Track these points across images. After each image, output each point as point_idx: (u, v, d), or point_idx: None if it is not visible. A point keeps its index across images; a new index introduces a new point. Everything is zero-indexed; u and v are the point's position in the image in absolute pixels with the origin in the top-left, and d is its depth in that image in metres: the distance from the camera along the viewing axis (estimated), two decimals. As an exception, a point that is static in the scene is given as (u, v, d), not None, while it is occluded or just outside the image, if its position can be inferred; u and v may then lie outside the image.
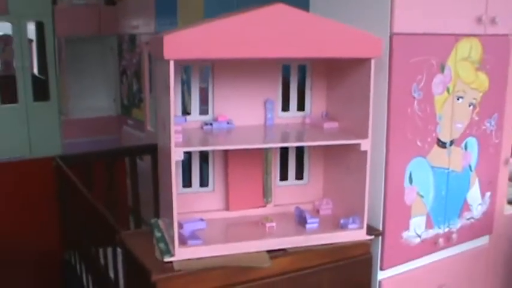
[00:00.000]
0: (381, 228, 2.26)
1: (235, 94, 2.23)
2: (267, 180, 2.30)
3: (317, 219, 2.18)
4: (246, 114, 2.25)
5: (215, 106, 2.22)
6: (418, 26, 2.17)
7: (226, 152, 2.23)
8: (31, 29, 5.46)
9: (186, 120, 2.16)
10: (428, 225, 2.39)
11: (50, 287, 3.80)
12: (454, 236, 2.47)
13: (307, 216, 2.18)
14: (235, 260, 1.97)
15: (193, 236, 2.04)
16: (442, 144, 2.35)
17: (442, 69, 2.27)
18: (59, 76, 5.18)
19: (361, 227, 2.14)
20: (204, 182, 2.28)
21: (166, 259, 1.94)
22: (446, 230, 2.46)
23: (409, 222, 2.32)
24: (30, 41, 5.56)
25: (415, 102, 2.22)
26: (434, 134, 2.31)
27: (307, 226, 2.17)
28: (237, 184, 2.27)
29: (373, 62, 2.01)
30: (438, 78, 2.27)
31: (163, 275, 1.90)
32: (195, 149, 2.00)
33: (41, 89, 5.21)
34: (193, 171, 2.26)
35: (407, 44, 2.16)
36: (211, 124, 2.19)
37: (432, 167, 2.33)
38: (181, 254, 1.95)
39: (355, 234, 2.14)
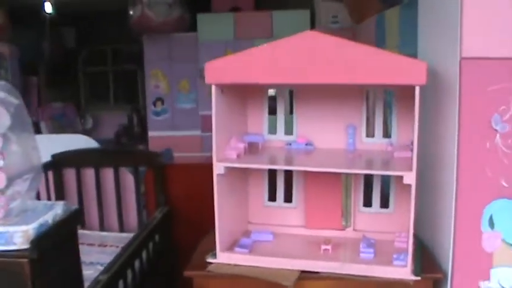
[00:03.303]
0: (449, 273, 2.06)
1: (317, 118, 2.30)
2: (346, 204, 2.30)
3: (372, 250, 2.11)
4: (328, 138, 2.30)
5: (299, 128, 2.33)
6: (497, 50, 1.93)
7: (306, 172, 2.31)
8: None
9: (264, 139, 2.31)
10: (523, 280, 2.07)
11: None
12: None
13: (362, 245, 2.13)
14: (261, 273, 2.07)
15: (246, 245, 2.20)
16: (542, 187, 2.02)
17: (540, 99, 1.96)
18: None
19: (405, 265, 2.01)
20: (289, 198, 2.39)
21: (208, 259, 2.15)
22: (554, 287, 2.09)
23: (490, 272, 2.05)
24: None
25: (498, 135, 1.97)
26: (529, 175, 2.00)
27: (361, 255, 2.12)
28: (314, 204, 2.33)
29: (417, 89, 1.89)
30: (535, 110, 1.97)
31: (195, 272, 2.12)
32: (236, 165, 2.12)
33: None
34: (278, 187, 2.39)
35: (481, 70, 1.94)
36: (290, 144, 2.31)
37: (526, 213, 2.02)
38: (222, 258, 2.15)
39: (397, 271, 2.01)
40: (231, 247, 2.19)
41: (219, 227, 2.12)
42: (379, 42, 3.83)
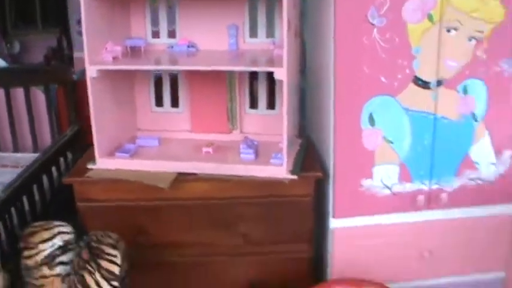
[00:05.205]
0: (331, 172, 2.04)
1: (200, 18, 2.21)
2: (231, 107, 2.24)
3: (252, 151, 2.07)
4: (211, 39, 2.22)
5: (181, 30, 2.24)
6: None
7: (190, 75, 2.24)
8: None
9: (146, 42, 2.22)
10: (404, 177, 2.06)
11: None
12: (444, 195, 2.08)
13: (243, 146, 2.09)
14: (139, 176, 2.02)
15: (129, 150, 2.14)
16: (422, 84, 1.97)
17: (418, -9, 1.90)
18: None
19: (281, 164, 1.97)
20: (176, 103, 2.33)
21: (89, 166, 2.09)
22: (435, 187, 2.08)
23: (372, 170, 2.03)
24: None
25: (375, 30, 1.91)
26: (408, 71, 1.95)
27: (241, 157, 2.08)
28: (200, 108, 2.27)
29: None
30: (412, 3, 1.90)
31: (73, 179, 2.06)
32: (110, 67, 2.03)
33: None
34: (164, 92, 2.32)
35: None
36: (172, 47, 2.22)
37: (406, 110, 1.99)
38: (102, 163, 2.08)
39: (274, 170, 1.99)
40: (113, 153, 2.13)
41: (97, 133, 2.06)
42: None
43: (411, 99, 1.98)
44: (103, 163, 2.08)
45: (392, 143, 2.02)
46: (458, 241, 2.17)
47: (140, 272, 1.92)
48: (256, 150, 2.09)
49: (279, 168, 1.97)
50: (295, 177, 1.97)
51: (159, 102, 2.33)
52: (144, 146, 2.22)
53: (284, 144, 1.94)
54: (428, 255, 2.15)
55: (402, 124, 2.00)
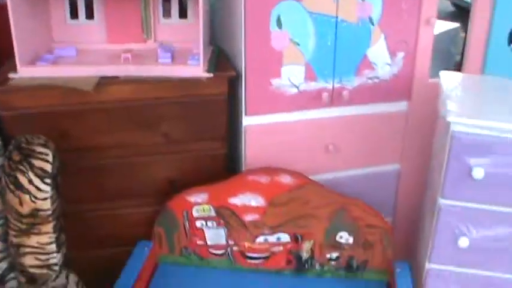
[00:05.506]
0: (243, 72, 2.20)
1: None
2: (145, 17, 2.35)
3: (169, 55, 2.20)
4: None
5: None
6: None
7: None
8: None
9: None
10: (309, 76, 2.25)
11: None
12: (346, 93, 2.30)
13: (160, 51, 2.21)
14: (63, 81, 2.10)
15: (49, 59, 2.20)
16: (324, -11, 2.16)
17: None
18: None
19: (198, 65, 2.12)
20: (91, 15, 2.39)
21: (10, 75, 2.13)
22: (337, 86, 2.30)
23: (281, 70, 2.21)
24: None
25: None
26: (312, -24, 2.13)
27: (159, 60, 2.21)
28: (115, 19, 2.36)
29: None
30: None
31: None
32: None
33: None
34: (78, 4, 2.37)
35: None
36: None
37: (310, 13, 2.17)
38: (24, 72, 2.13)
39: (191, 70, 2.13)
40: (32, 62, 2.19)
41: (17, 43, 2.08)
42: None
43: (315, 4, 2.15)
44: (25, 72, 2.13)
45: (298, 44, 2.20)
46: (359, 136, 2.41)
47: (65, 176, 2.01)
48: (172, 54, 2.22)
49: (196, 68, 2.13)
50: (211, 75, 2.14)
51: (74, 14, 2.38)
52: (62, 55, 2.28)
53: (200, 46, 2.09)
54: (333, 149, 2.38)
55: (307, 26, 2.18)
